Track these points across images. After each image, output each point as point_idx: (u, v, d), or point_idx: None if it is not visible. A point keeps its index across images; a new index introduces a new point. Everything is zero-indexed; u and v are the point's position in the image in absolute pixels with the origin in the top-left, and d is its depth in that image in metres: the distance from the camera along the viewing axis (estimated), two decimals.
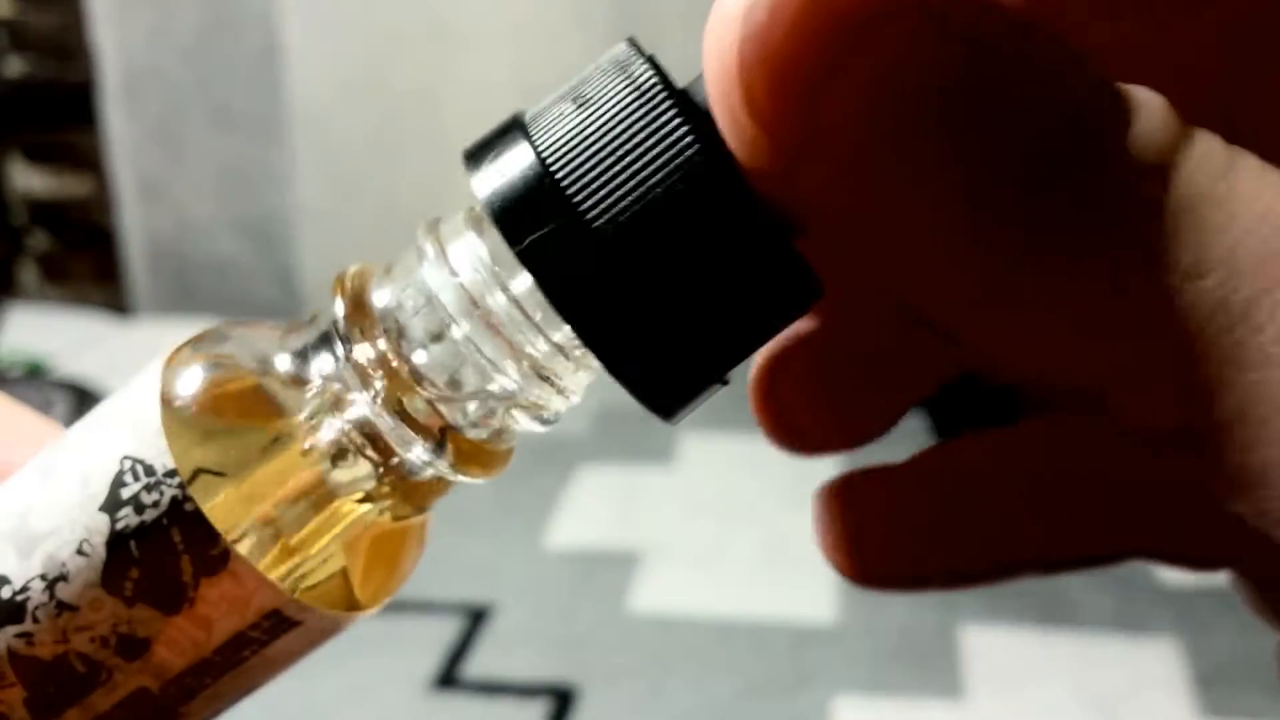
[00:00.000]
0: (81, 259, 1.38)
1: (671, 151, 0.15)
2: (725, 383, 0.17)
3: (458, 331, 0.18)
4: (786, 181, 0.15)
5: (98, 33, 1.22)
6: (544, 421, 0.19)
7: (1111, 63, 0.15)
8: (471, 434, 0.19)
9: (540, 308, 0.18)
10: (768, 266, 0.16)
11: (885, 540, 0.23)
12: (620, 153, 0.16)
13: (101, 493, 0.18)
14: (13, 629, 0.18)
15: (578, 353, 0.19)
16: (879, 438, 0.23)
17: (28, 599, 0.18)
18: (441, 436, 0.18)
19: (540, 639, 0.80)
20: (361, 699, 0.74)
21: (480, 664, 0.77)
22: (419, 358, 0.18)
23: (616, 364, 0.16)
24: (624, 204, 0.15)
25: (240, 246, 1.28)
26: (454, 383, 0.19)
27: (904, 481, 0.23)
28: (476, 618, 0.81)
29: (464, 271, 0.18)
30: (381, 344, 0.18)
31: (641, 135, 0.16)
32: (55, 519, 0.18)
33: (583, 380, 0.19)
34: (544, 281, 0.16)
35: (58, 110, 1.32)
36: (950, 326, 0.16)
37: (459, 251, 0.18)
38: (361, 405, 0.18)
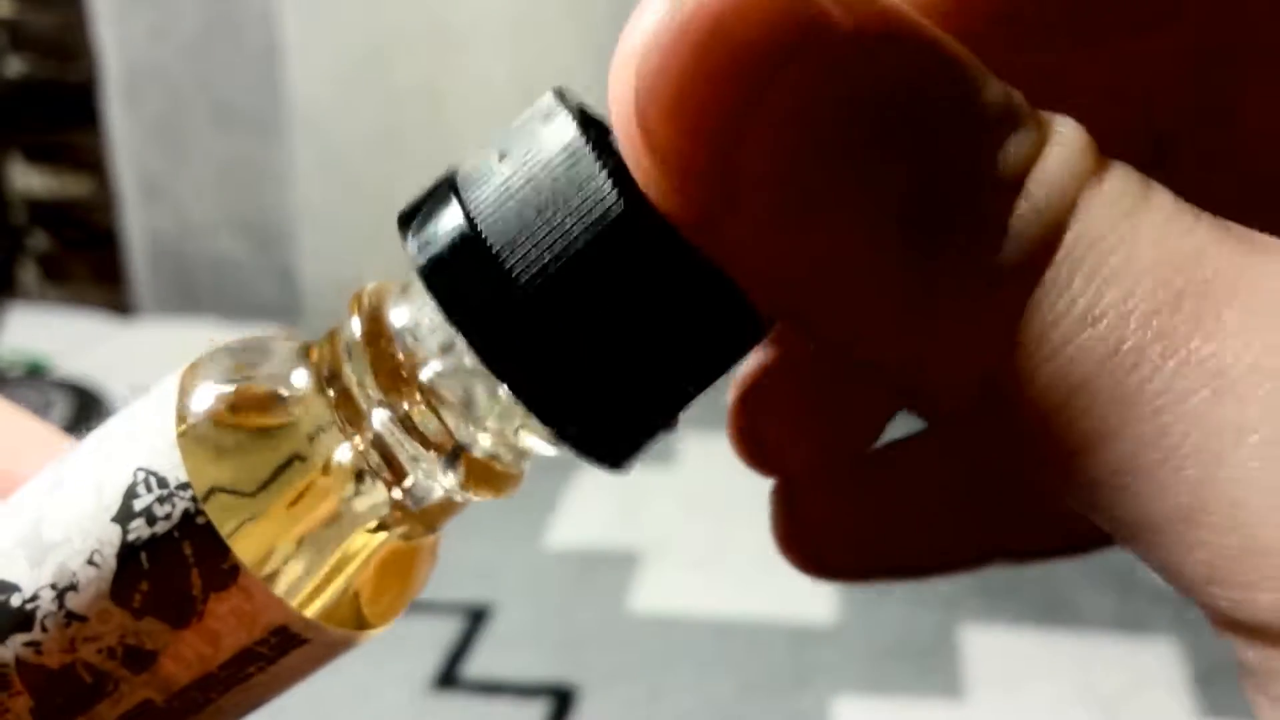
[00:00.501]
0: (81, 259, 1.38)
1: (594, 204, 0.15)
2: (673, 427, 0.17)
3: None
4: (707, 234, 0.15)
5: (98, 32, 1.22)
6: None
7: (1050, 86, 0.15)
8: (483, 454, 0.19)
9: None
10: (704, 313, 0.16)
11: (835, 534, 0.22)
12: (545, 208, 0.15)
13: (114, 504, 0.18)
14: (21, 637, 0.18)
15: None
16: (854, 459, 0.23)
17: (37, 608, 0.18)
18: (455, 456, 0.18)
19: (540, 639, 0.80)
20: (361, 699, 0.74)
21: (480, 664, 0.77)
22: (434, 376, 0.18)
23: (558, 425, 0.16)
24: (550, 262, 0.15)
25: (240, 246, 1.28)
26: (468, 402, 0.19)
27: (855, 477, 0.23)
28: (476, 618, 0.81)
29: None
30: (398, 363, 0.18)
31: (564, 189, 0.15)
32: (67, 529, 0.18)
33: None
34: (477, 346, 0.16)
35: (58, 110, 1.32)
36: (857, 354, 0.15)
37: None
38: (377, 424, 0.18)
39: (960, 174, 0.14)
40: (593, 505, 0.94)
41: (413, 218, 0.17)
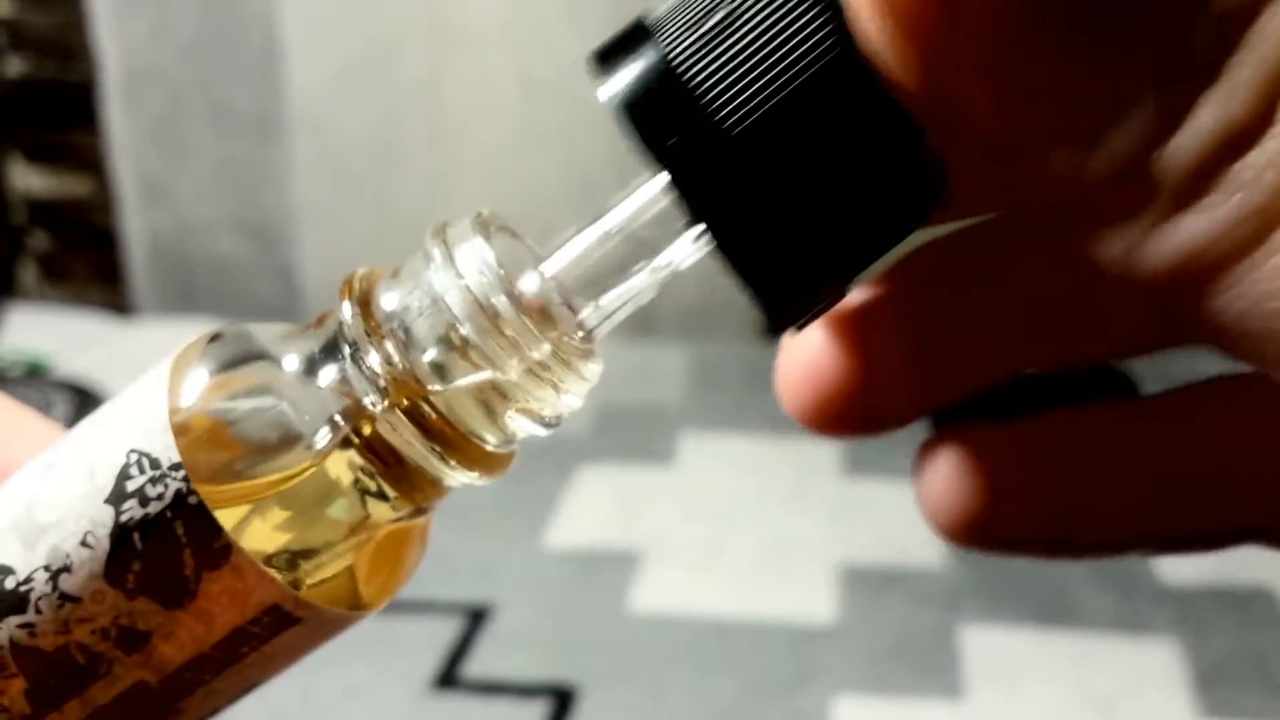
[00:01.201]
0: (81, 259, 1.38)
1: (805, 46, 0.15)
2: (843, 294, 0.17)
3: (462, 333, 0.18)
4: (922, 82, 0.15)
5: (98, 32, 1.22)
6: (546, 425, 0.19)
7: None
8: (474, 436, 0.19)
9: (544, 309, 0.18)
10: (903, 163, 0.16)
11: (1014, 500, 0.21)
12: (751, 47, 0.15)
13: (107, 485, 0.18)
14: (15, 619, 0.18)
15: (579, 352, 0.19)
16: (910, 422, 0.22)
17: (31, 590, 0.18)
18: (442, 438, 0.19)
19: (540, 639, 0.80)
20: (361, 699, 0.74)
21: (480, 664, 0.77)
22: (424, 360, 0.18)
23: (745, 266, 0.16)
24: (756, 101, 0.15)
25: (240, 246, 1.28)
26: (456, 381, 0.19)
27: (1036, 442, 0.22)
28: (476, 618, 0.81)
29: (470, 274, 0.18)
30: (388, 346, 0.18)
31: (772, 28, 0.15)
32: (60, 511, 0.18)
33: (584, 385, 0.19)
34: (677, 181, 0.16)
35: (58, 110, 1.32)
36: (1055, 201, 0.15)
37: (465, 255, 0.18)
38: (367, 407, 0.18)
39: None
40: (593, 505, 0.94)
41: (608, 57, 0.16)
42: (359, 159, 1.21)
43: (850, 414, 0.22)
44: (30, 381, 1.06)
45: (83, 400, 1.01)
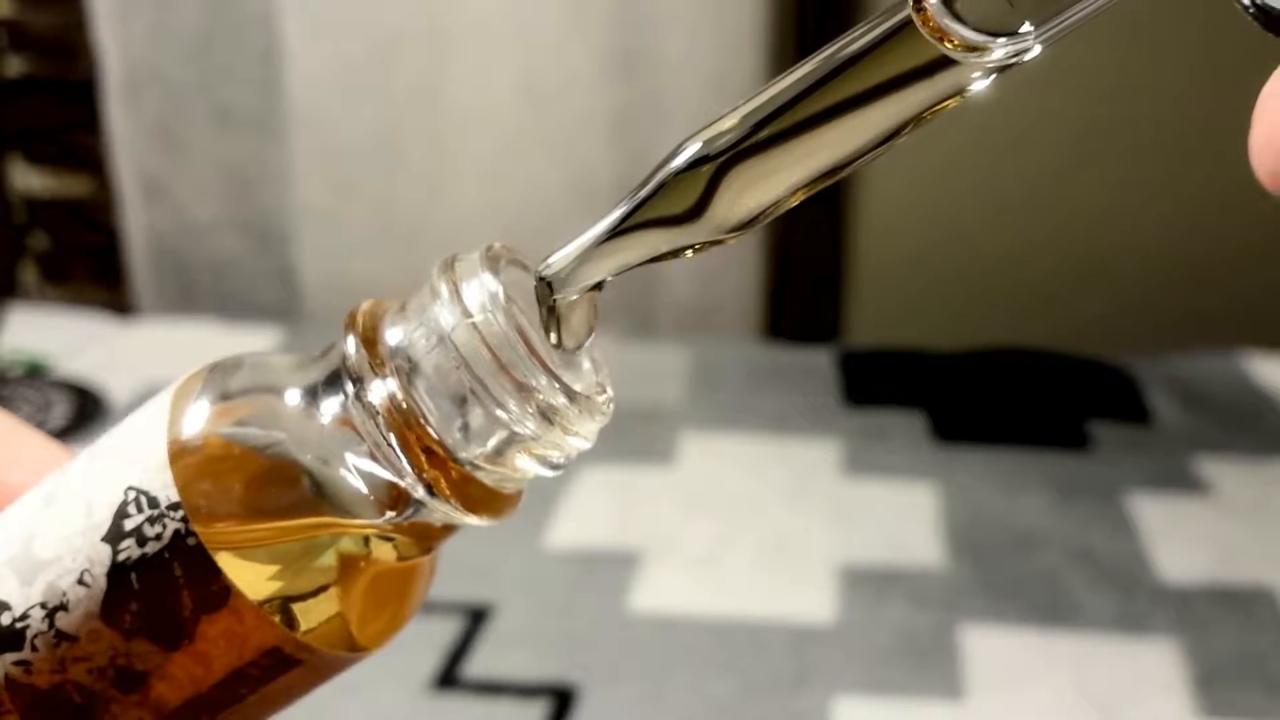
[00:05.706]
0: (81, 259, 1.38)
1: None
2: None
3: (469, 372, 0.18)
4: None
5: (99, 32, 1.22)
6: (553, 466, 0.19)
7: None
8: (480, 476, 0.19)
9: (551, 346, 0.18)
10: None
11: None
12: None
13: (104, 523, 0.18)
14: (11, 656, 0.18)
15: (587, 396, 0.18)
16: None
17: (27, 627, 0.18)
18: (446, 478, 0.18)
19: (540, 639, 0.80)
20: (361, 699, 0.74)
21: (480, 664, 0.77)
22: (429, 398, 0.18)
23: None
24: None
25: (240, 246, 1.28)
26: (464, 424, 0.18)
27: None
28: (476, 618, 0.81)
29: (477, 312, 0.18)
30: (391, 383, 0.18)
31: None
32: (58, 547, 0.18)
33: (593, 426, 0.19)
34: None
35: (58, 110, 1.32)
36: None
37: (472, 291, 0.18)
38: (369, 444, 0.18)
39: None
40: (593, 505, 0.94)
41: None
42: (359, 159, 1.21)
43: None
44: (30, 381, 1.06)
45: (83, 400, 1.01)
